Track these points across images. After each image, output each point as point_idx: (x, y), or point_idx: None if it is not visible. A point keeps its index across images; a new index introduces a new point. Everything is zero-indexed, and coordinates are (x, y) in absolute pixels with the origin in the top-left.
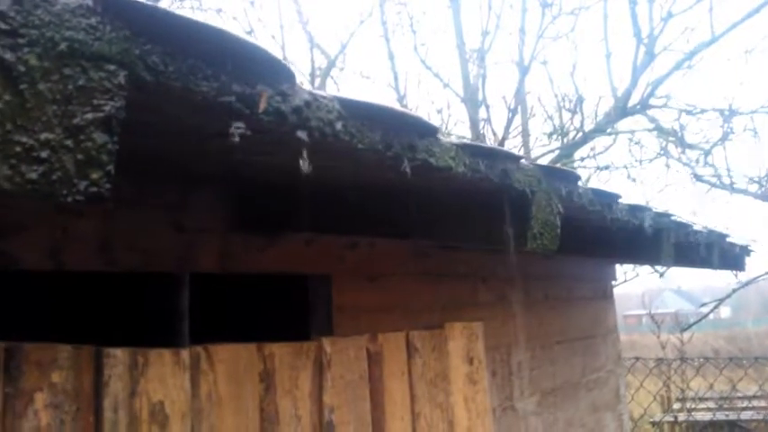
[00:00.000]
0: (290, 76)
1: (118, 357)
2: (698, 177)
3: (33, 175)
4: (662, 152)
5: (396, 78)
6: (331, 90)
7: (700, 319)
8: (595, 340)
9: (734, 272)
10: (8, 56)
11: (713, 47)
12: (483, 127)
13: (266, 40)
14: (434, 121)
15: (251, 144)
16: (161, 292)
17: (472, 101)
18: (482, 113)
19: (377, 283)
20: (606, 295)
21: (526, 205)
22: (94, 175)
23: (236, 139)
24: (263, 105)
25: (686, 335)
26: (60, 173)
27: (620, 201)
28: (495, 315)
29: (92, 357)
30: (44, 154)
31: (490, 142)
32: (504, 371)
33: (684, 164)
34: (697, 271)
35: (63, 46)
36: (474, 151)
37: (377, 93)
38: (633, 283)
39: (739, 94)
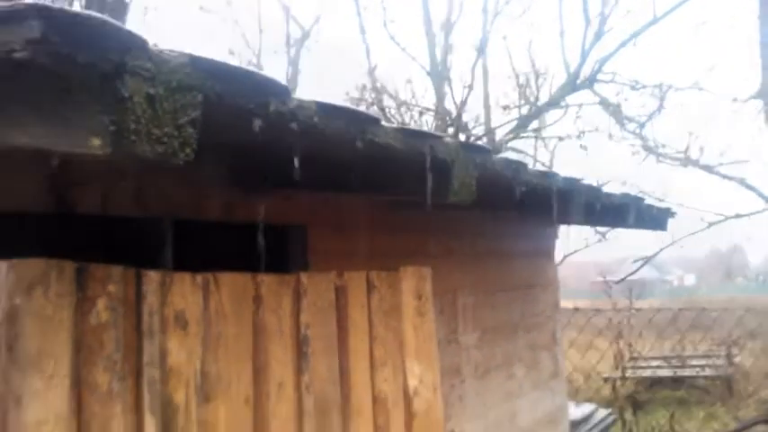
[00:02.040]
0: (288, 91)
1: (152, 277)
2: (635, 148)
3: (160, 149)
4: (599, 127)
5: (367, 51)
6: (305, 64)
7: (626, 276)
8: (535, 290)
9: (656, 231)
10: (151, 90)
11: (655, 27)
12: (454, 100)
13: (242, 11)
14: (403, 91)
15: (263, 132)
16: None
17: (437, 74)
18: (446, 86)
19: (344, 234)
20: (547, 252)
21: (448, 170)
22: (187, 150)
23: (257, 130)
24: (272, 109)
25: (650, 301)
26: (172, 149)
27: (527, 168)
28: (444, 264)
29: (134, 276)
30: (165, 139)
31: (453, 112)
32: (450, 310)
33: (624, 137)
34: (663, 240)
35: (174, 83)
36: (408, 133)
37: (349, 64)
38: (601, 251)
39: (675, 71)
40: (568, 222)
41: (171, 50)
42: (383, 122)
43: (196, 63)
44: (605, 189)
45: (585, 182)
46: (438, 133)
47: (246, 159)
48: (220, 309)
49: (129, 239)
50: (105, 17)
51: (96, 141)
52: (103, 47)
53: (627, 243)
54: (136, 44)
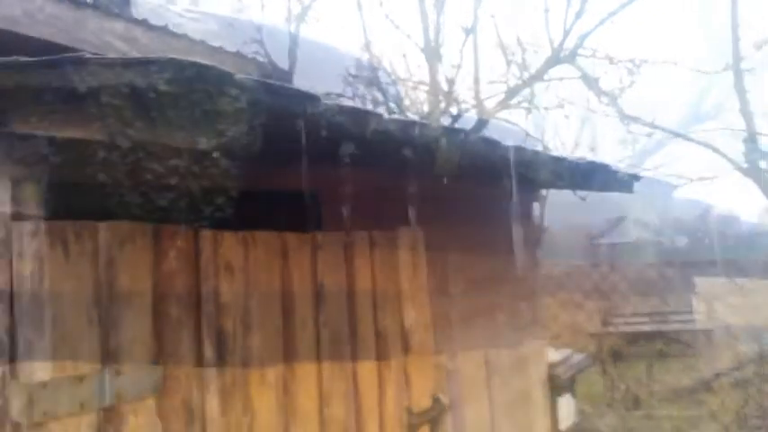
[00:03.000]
0: (319, 99)
1: (207, 235)
2: (621, 119)
3: (243, 143)
4: (575, 100)
5: (364, 27)
6: (309, 35)
7: (598, 238)
8: (515, 248)
9: (623, 192)
10: (237, 105)
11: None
12: (446, 76)
13: None
14: (398, 67)
15: (303, 126)
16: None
17: (431, 50)
18: (438, 63)
19: (351, 200)
20: (527, 214)
21: (433, 148)
22: (256, 143)
23: (299, 126)
24: (308, 111)
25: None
26: (247, 142)
27: (500, 145)
28: (436, 227)
29: (194, 234)
30: (244, 136)
31: (444, 87)
32: (440, 265)
33: (602, 109)
34: (658, 202)
35: (251, 98)
36: (401, 122)
37: (347, 39)
38: (596, 213)
39: (652, 45)
40: (543, 187)
41: (247, 77)
42: (384, 115)
43: (263, 85)
44: (572, 158)
45: (550, 154)
46: (421, 121)
47: (278, 143)
48: (257, 259)
49: (189, 204)
50: (212, 64)
51: (203, 139)
52: (207, 81)
53: (624, 206)
54: (227, 77)
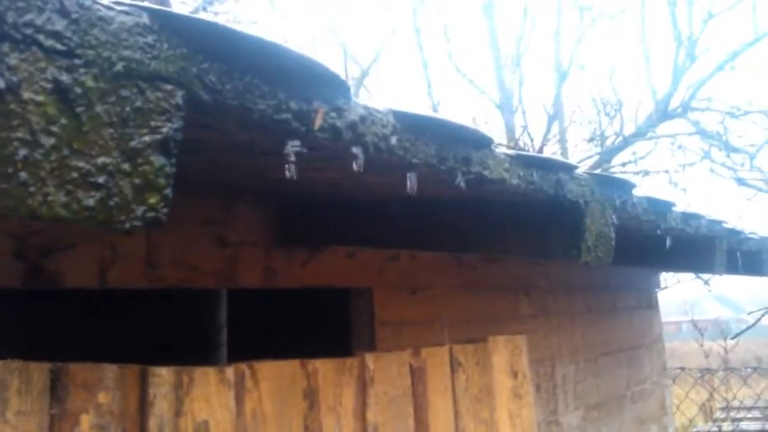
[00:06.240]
0: (345, 91)
1: (163, 377)
2: (741, 182)
3: (90, 202)
4: (705, 156)
5: (429, 86)
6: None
7: (746, 329)
8: (640, 351)
9: None
10: (64, 78)
11: (757, 46)
12: (522, 134)
13: (299, 48)
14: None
15: (303, 161)
16: (199, 307)
17: (508, 107)
18: (518, 120)
19: (418, 296)
20: (651, 304)
21: (580, 216)
22: (152, 200)
23: (292, 157)
24: (318, 122)
25: (730, 342)
26: (118, 198)
27: (673, 209)
28: (538, 328)
29: (137, 377)
30: (101, 179)
31: (525, 146)
32: (548, 384)
33: (729, 168)
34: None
35: (119, 66)
36: (528, 162)
37: (411, 101)
38: (671, 290)
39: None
40: (699, 272)
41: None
42: (494, 147)
43: (166, 23)
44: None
45: (726, 224)
46: (566, 161)
47: (293, 204)
48: (260, 412)
49: (139, 319)
50: None
51: None
52: None
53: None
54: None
